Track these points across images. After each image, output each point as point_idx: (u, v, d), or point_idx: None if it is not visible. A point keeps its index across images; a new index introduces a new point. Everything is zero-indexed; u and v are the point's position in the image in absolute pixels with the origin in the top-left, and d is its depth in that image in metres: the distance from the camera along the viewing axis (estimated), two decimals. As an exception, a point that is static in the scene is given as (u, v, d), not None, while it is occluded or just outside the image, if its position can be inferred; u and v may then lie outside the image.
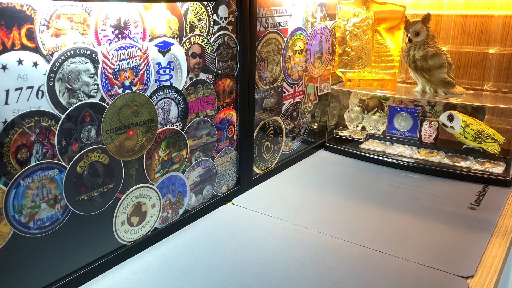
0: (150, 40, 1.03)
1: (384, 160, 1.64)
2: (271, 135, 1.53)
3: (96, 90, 0.93)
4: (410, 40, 1.59)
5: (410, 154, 1.66)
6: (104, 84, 0.95)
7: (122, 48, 0.97)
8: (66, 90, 0.88)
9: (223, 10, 1.21)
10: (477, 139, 1.52)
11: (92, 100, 0.93)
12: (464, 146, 1.57)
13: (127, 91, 1.00)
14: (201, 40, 1.17)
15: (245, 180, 1.41)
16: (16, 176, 0.82)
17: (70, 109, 0.89)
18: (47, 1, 0.83)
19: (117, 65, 0.97)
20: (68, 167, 0.91)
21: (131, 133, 1.03)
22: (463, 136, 1.54)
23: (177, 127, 1.15)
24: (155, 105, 1.07)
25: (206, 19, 1.17)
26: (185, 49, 1.13)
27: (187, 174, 1.20)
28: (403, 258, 1.05)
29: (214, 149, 1.28)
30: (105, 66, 0.94)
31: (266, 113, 1.48)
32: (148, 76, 1.04)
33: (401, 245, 1.10)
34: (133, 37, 0.99)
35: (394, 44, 1.64)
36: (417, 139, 1.70)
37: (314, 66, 1.69)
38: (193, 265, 1.02)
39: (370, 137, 1.83)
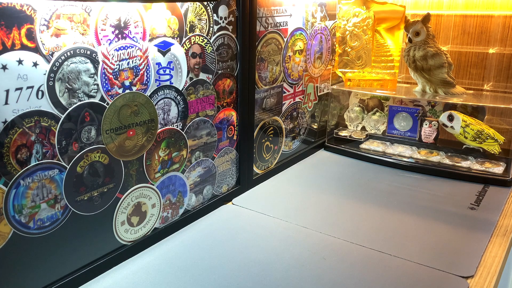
0: (150, 40, 1.03)
1: (384, 160, 1.64)
2: (271, 135, 1.53)
3: (96, 90, 0.93)
4: (410, 40, 1.59)
5: (410, 154, 1.66)
6: (104, 84, 0.95)
7: (122, 48, 0.97)
8: (66, 90, 0.88)
9: (223, 10, 1.21)
10: (477, 139, 1.52)
11: (92, 100, 0.93)
12: (464, 146, 1.57)
13: (127, 91, 1.00)
14: (201, 40, 1.17)
15: (245, 180, 1.41)
16: (16, 176, 0.82)
17: (70, 109, 0.89)
18: (47, 1, 0.83)
19: (117, 65, 0.97)
20: (68, 167, 0.91)
21: (131, 133, 1.03)
22: (463, 136, 1.54)
23: (177, 127, 1.15)
24: (155, 105, 1.07)
25: (206, 19, 1.17)
26: (185, 49, 1.13)
27: (187, 174, 1.20)
28: (403, 258, 1.05)
29: (214, 149, 1.28)
30: (105, 66, 0.94)
31: (266, 113, 1.48)
32: (148, 76, 1.04)
33: (401, 245, 1.10)
34: (133, 37, 0.99)
35: (394, 44, 1.64)
36: (417, 139, 1.70)
37: (314, 66, 1.69)
38: (193, 265, 1.02)
39: (370, 137, 1.83)
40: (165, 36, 1.07)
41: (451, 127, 1.55)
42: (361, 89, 1.71)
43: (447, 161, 1.59)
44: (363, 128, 1.86)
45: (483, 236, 1.15)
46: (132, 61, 1.00)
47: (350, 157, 1.71)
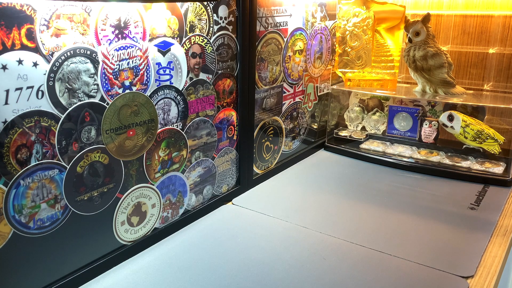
0: (150, 40, 1.03)
1: (384, 160, 1.64)
2: (271, 135, 1.53)
3: (96, 90, 0.93)
4: (410, 40, 1.59)
5: (410, 154, 1.66)
6: (104, 84, 0.95)
7: (122, 48, 0.97)
8: (66, 90, 0.88)
9: (223, 10, 1.21)
10: (477, 139, 1.52)
11: (92, 100, 0.93)
12: (464, 146, 1.57)
13: (127, 91, 1.00)
14: (201, 40, 1.17)
15: (245, 180, 1.41)
16: (16, 176, 0.82)
17: (70, 109, 0.89)
18: (47, 1, 0.83)
19: (117, 65, 0.97)
20: (68, 167, 0.91)
21: (131, 133, 1.03)
22: (463, 136, 1.54)
23: (177, 127, 1.15)
24: (155, 105, 1.07)
25: (206, 19, 1.17)
26: (185, 49, 1.13)
27: (187, 174, 1.20)
28: (403, 258, 1.05)
29: (214, 149, 1.28)
30: (105, 66, 0.94)
31: (266, 113, 1.48)
32: (148, 76, 1.04)
33: (401, 245, 1.10)
34: (133, 37, 0.99)
35: (394, 44, 1.64)
36: (417, 139, 1.70)
37: (314, 66, 1.69)
38: (193, 265, 1.02)
39: (370, 137, 1.83)
40: (165, 36, 1.07)
41: (451, 127, 1.55)
42: (361, 89, 1.71)
43: (447, 161, 1.59)
44: (363, 128, 1.86)
45: (483, 236, 1.15)
46: (132, 61, 1.00)
47: (350, 157, 1.71)
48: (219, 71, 1.25)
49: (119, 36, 0.96)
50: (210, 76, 1.22)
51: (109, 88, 0.96)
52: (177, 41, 1.10)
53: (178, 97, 1.13)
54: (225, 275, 0.98)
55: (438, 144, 1.68)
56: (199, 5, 1.13)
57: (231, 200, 1.35)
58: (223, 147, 1.32)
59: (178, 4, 1.08)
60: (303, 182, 1.48)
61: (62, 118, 0.88)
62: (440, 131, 1.66)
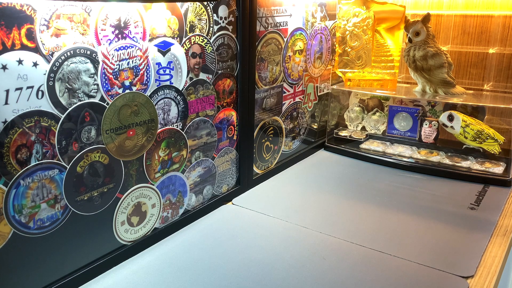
0: (150, 40, 1.03)
1: (384, 160, 1.64)
2: (271, 135, 1.53)
3: (96, 90, 0.93)
4: (410, 40, 1.59)
5: (410, 154, 1.66)
6: (104, 84, 0.95)
7: (122, 48, 0.97)
8: (66, 90, 0.88)
9: (223, 10, 1.21)
10: (477, 139, 1.52)
11: (92, 100, 0.93)
12: (464, 146, 1.57)
13: (127, 91, 1.00)
14: (201, 40, 1.17)
15: (245, 180, 1.41)
16: (16, 176, 0.82)
17: (70, 109, 0.89)
18: (47, 1, 0.83)
19: (117, 65, 0.97)
20: (68, 167, 0.91)
21: (131, 133, 1.03)
22: (463, 136, 1.54)
23: (177, 127, 1.15)
24: (155, 105, 1.07)
25: (206, 19, 1.17)
26: (185, 49, 1.13)
27: (187, 174, 1.20)
28: (403, 258, 1.05)
29: (214, 149, 1.28)
30: (105, 66, 0.94)
31: (266, 113, 1.48)
32: (148, 76, 1.04)
33: (401, 245, 1.10)
34: (133, 37, 0.99)
35: (394, 44, 1.64)
36: (417, 139, 1.70)
37: (314, 66, 1.69)
38: (193, 265, 1.02)
39: (370, 137, 1.83)
40: (165, 36, 1.07)
41: (451, 127, 1.55)
42: (361, 89, 1.71)
43: (447, 161, 1.59)
44: (363, 128, 1.86)
45: (483, 236, 1.15)
46: (132, 61, 1.00)
47: (350, 157, 1.71)
48: (219, 71, 1.25)
49: (119, 36, 0.96)
50: (210, 76, 1.22)
51: (109, 88, 0.96)
52: (177, 41, 1.10)
53: (178, 97, 1.13)
54: (225, 275, 0.98)
55: (438, 144, 1.68)
56: (199, 5, 1.13)
57: (231, 200, 1.35)
58: (223, 147, 1.32)
59: (178, 4, 1.08)
60: (303, 182, 1.48)
61: (62, 118, 0.88)
62: (440, 131, 1.66)
